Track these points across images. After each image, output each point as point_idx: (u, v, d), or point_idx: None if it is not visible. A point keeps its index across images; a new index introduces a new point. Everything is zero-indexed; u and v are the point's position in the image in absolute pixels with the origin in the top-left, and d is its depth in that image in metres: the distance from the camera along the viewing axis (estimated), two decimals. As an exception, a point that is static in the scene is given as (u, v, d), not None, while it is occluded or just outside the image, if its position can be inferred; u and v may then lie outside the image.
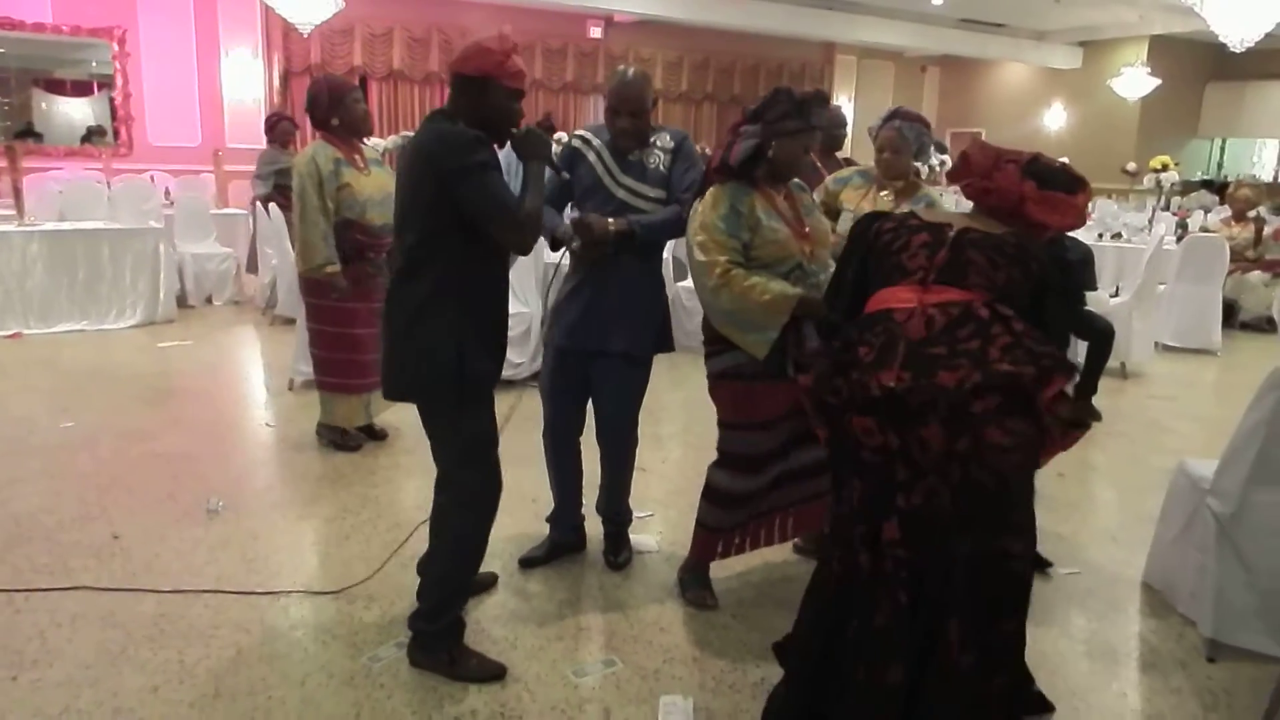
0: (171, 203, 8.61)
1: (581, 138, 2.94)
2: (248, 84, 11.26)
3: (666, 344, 3.00)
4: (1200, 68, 15.06)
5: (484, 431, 2.41)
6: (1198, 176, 15.40)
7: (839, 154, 4.96)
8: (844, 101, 16.44)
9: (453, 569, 2.47)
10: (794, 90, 2.67)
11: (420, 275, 2.28)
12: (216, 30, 10.93)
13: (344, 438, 4.26)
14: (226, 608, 2.76)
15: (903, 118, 3.22)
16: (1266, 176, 15.71)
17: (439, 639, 2.46)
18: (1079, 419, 2.06)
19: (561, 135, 2.97)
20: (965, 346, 1.83)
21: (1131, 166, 13.40)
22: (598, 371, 2.93)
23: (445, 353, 2.28)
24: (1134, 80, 13.41)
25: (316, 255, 3.89)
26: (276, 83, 11.58)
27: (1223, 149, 16.34)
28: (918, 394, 1.81)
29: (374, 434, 4.39)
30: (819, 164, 4.77)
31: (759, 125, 2.61)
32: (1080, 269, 3.12)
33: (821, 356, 2.09)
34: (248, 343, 6.72)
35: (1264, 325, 7.81)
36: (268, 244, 7.02)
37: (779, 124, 2.60)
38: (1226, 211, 8.59)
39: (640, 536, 3.29)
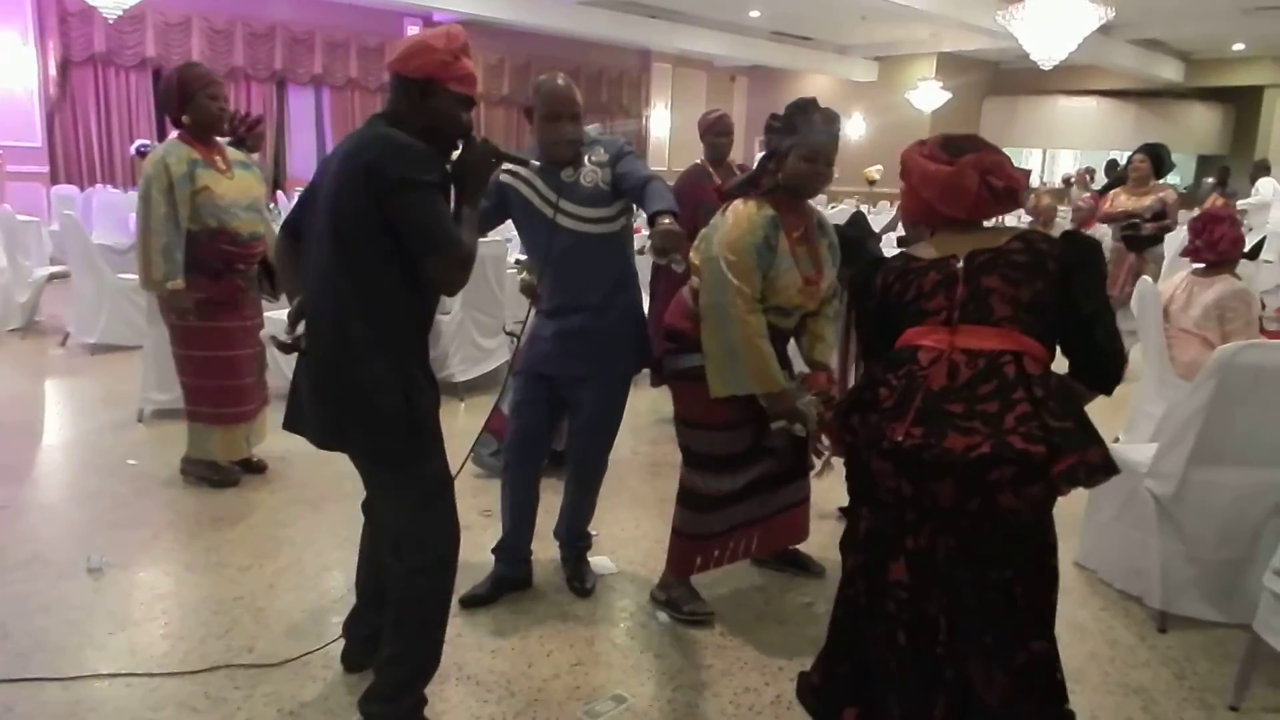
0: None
1: (508, 171, 2.72)
2: (18, 73, 9.95)
3: (646, 358, 2.87)
4: (979, 83, 16.59)
5: (439, 474, 2.14)
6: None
7: (731, 162, 4.95)
8: (660, 109, 16.81)
9: (421, 639, 2.15)
10: (777, 114, 2.62)
11: (354, 305, 1.97)
12: (-22, 12, 9.57)
13: (217, 472, 3.78)
14: (157, 685, 2.34)
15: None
16: (1033, 182, 17.53)
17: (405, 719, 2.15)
18: None
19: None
20: (982, 408, 1.79)
21: (926, 173, 14.60)
22: (576, 394, 2.77)
23: (392, 396, 1.98)
24: (928, 93, 14.57)
25: (155, 270, 3.43)
26: (53, 73, 10.28)
27: (998, 158, 18.04)
28: (927, 452, 1.79)
29: (253, 467, 3.93)
30: (713, 174, 4.79)
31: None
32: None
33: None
34: (67, 371, 5.84)
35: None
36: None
37: (776, 148, 2.56)
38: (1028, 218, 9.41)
39: (597, 559, 3.12)
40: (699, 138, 4.81)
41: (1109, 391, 1.95)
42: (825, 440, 2.54)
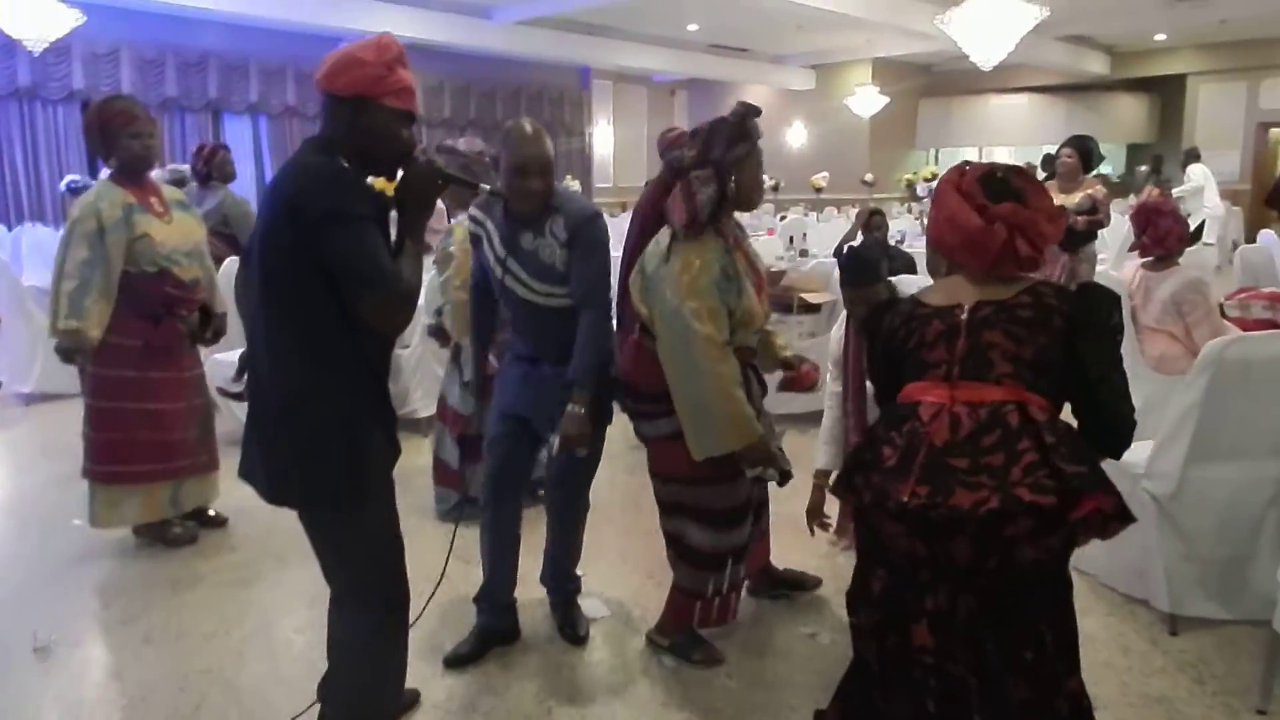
0: None
1: (473, 219, 2.56)
2: (-68, 112, 9.46)
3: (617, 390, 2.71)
4: (914, 87, 16.80)
5: (386, 534, 2.00)
6: (921, 184, 17.13)
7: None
8: (603, 125, 16.74)
9: (373, 708, 2.04)
10: (725, 117, 2.51)
11: (290, 350, 1.84)
12: (-115, 48, 9.09)
13: (168, 530, 3.53)
14: (121, 779, 2.14)
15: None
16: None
17: None
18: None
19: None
20: (987, 460, 1.71)
21: (869, 177, 14.70)
22: (551, 434, 2.60)
23: (334, 438, 1.86)
24: (866, 99, 14.71)
25: (59, 313, 3.18)
26: (-28, 109, 9.84)
27: (936, 159, 18.32)
28: (934, 511, 1.70)
29: (211, 521, 3.69)
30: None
31: (709, 168, 2.38)
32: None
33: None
34: (0, 424, 5.52)
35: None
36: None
37: (729, 156, 2.40)
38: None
39: (587, 601, 2.96)
40: (659, 156, 4.71)
41: (1117, 455, 1.84)
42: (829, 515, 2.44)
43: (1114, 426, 1.80)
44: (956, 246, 1.88)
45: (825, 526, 2.92)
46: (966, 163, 2.00)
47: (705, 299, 2.30)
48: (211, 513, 3.70)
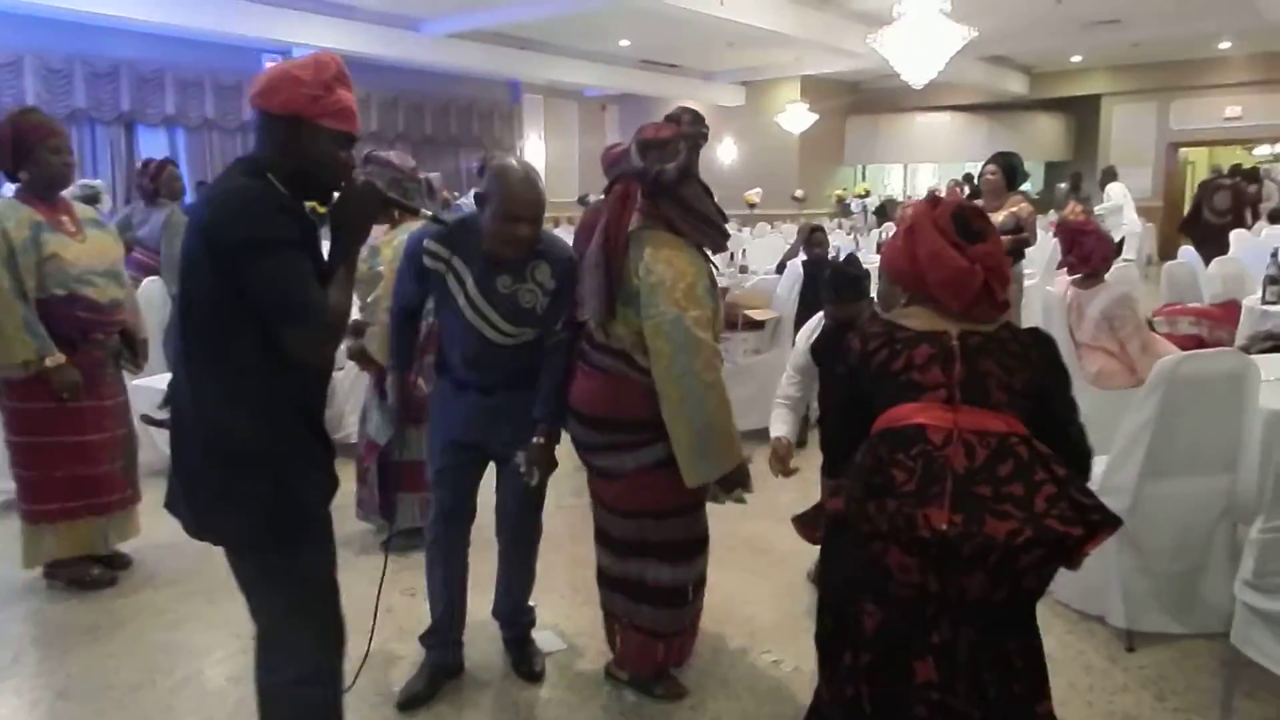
0: None
1: (431, 253, 2.37)
2: None
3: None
4: (842, 104, 17.12)
5: (319, 576, 1.86)
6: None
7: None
8: (534, 139, 16.63)
9: None
10: (691, 124, 2.43)
11: (211, 381, 1.73)
12: None
13: (85, 572, 3.29)
14: None
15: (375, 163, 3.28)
16: (900, 198, 18.17)
17: None
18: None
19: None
20: (1009, 490, 1.70)
21: (800, 193, 14.90)
22: (500, 458, 2.52)
23: (262, 485, 1.73)
24: (797, 115, 14.91)
25: (18, 349, 2.98)
26: None
27: (864, 175, 18.68)
28: (970, 540, 1.66)
29: (115, 562, 3.44)
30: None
31: (692, 181, 2.31)
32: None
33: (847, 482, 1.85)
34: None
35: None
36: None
37: (692, 165, 2.31)
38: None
39: (541, 634, 2.83)
40: (604, 173, 4.61)
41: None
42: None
43: (1082, 457, 1.85)
44: (937, 283, 1.85)
45: (789, 472, 2.75)
46: (934, 196, 2.01)
47: (704, 306, 2.19)
48: (115, 552, 3.43)
